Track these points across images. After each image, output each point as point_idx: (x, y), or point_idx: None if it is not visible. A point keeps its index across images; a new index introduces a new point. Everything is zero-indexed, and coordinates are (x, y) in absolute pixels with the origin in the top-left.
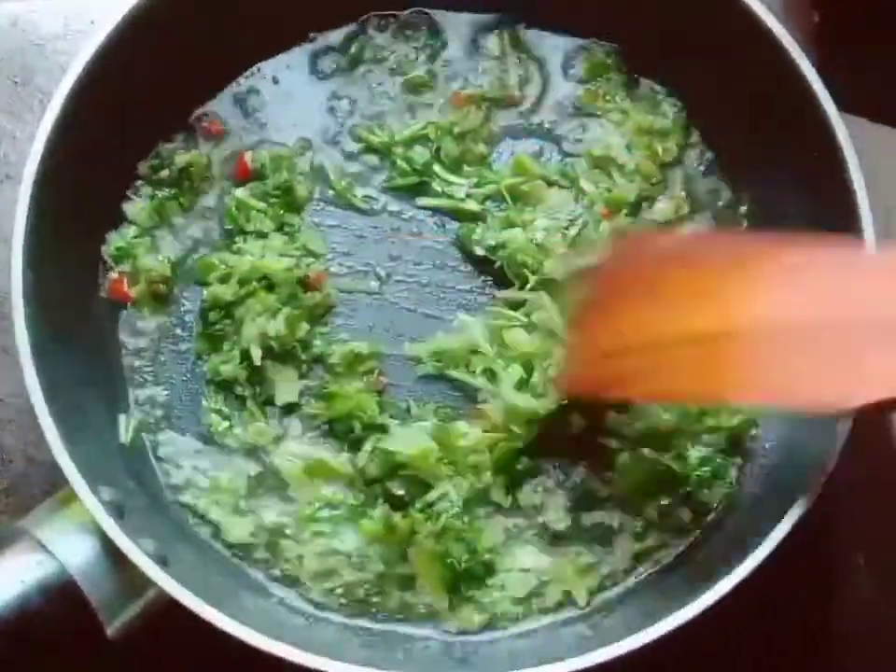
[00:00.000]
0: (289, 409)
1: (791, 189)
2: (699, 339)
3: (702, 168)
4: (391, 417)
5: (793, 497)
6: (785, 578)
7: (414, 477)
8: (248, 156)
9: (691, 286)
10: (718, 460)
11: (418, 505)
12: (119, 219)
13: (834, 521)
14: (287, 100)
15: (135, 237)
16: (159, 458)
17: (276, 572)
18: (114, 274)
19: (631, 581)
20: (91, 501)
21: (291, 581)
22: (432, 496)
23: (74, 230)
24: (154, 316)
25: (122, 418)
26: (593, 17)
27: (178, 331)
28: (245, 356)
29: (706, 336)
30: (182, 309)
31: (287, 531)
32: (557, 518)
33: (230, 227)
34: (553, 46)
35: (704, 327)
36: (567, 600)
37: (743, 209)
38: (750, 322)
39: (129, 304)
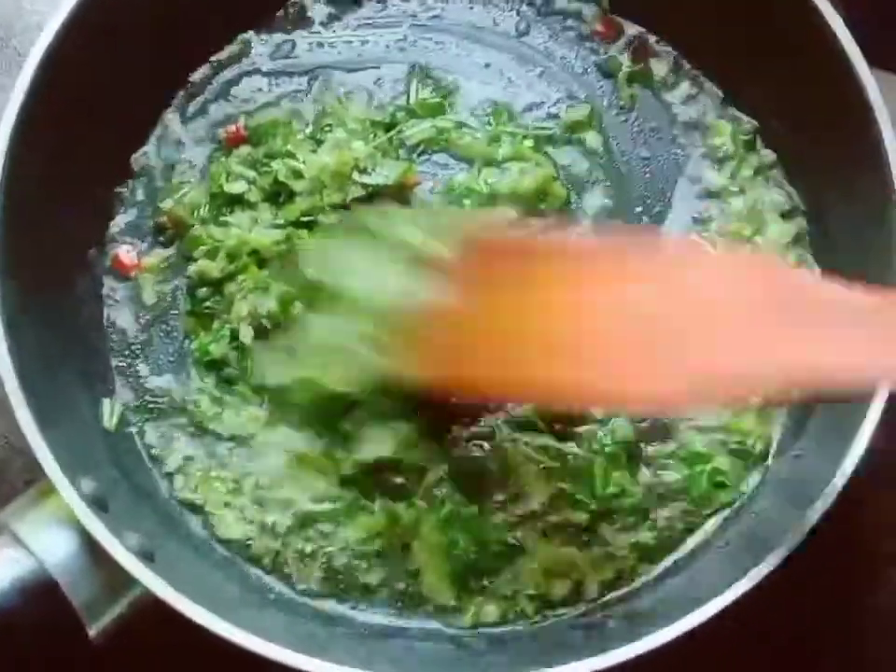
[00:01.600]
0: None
1: (817, 141)
2: (550, 331)
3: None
4: None
5: (823, 483)
6: (813, 569)
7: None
8: (242, 121)
9: (541, 279)
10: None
11: (420, 492)
12: (102, 193)
13: (864, 507)
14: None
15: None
16: (146, 446)
17: (271, 569)
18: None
19: (649, 573)
20: (69, 494)
21: (287, 579)
22: (430, 479)
23: (54, 203)
24: (140, 293)
25: (106, 402)
26: None
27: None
28: (235, 335)
29: (556, 330)
30: (169, 287)
31: (282, 526)
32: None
33: (216, 196)
34: None
35: (554, 320)
36: (579, 594)
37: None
38: (595, 312)
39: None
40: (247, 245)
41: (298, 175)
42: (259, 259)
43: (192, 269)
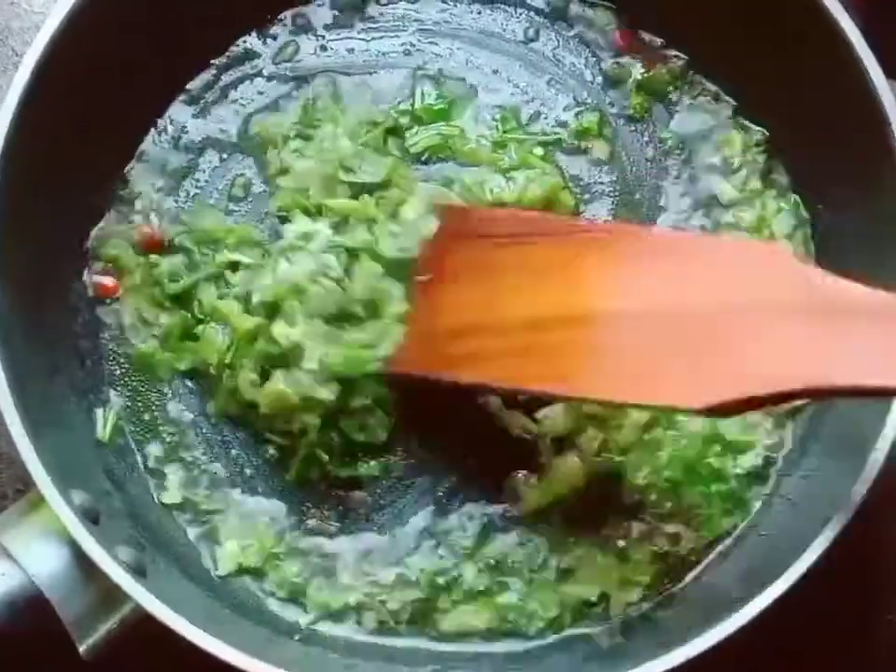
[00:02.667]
0: None
1: (830, 154)
2: (547, 323)
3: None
4: None
5: (834, 504)
6: (825, 596)
7: None
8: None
9: (540, 264)
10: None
11: None
12: (102, 202)
13: (881, 522)
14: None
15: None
16: (143, 457)
17: (273, 590)
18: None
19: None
20: (60, 506)
21: (290, 598)
22: None
23: (48, 208)
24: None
25: (100, 412)
26: None
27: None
28: None
29: (554, 320)
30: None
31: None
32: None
33: None
34: None
35: (552, 310)
36: (596, 610)
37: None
38: (602, 309)
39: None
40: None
41: (284, 171)
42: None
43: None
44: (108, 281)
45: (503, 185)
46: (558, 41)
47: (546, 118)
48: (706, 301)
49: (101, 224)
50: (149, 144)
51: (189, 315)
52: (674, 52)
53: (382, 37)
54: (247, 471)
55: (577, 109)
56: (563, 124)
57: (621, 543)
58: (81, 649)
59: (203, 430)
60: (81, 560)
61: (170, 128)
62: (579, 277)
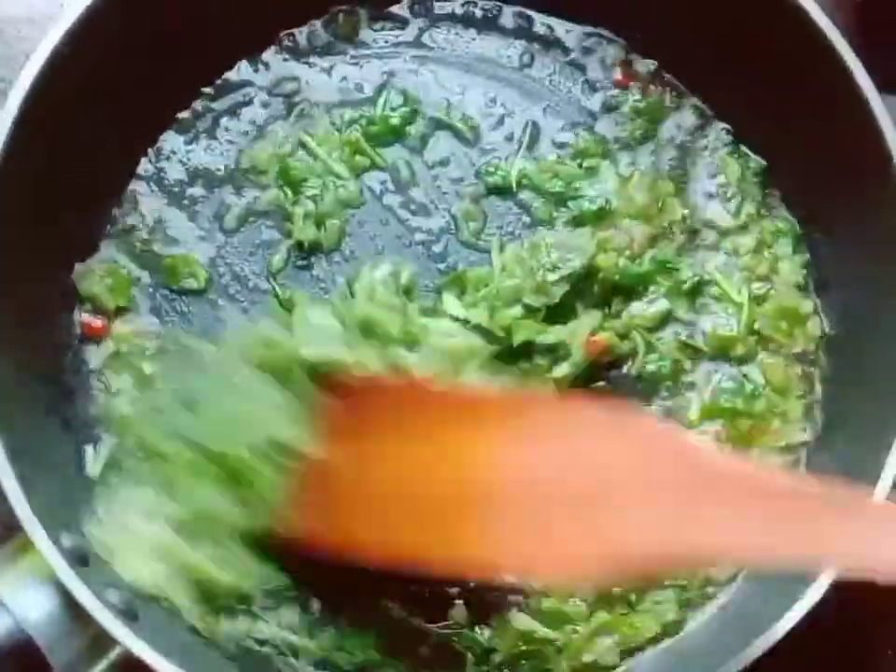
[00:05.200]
0: None
1: (829, 180)
2: (436, 491)
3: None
4: None
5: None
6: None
7: None
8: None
9: (432, 430)
10: None
11: None
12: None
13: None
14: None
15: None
16: None
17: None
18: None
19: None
20: (49, 550)
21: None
22: None
23: (36, 244)
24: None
25: (89, 449)
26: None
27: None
28: None
29: (442, 489)
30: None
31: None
32: None
33: None
34: None
35: (440, 478)
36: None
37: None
38: (487, 479)
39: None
40: None
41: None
42: None
43: None
44: (97, 321)
45: None
46: (553, 67)
47: (542, 142)
48: (592, 471)
49: (84, 261)
50: (140, 173)
51: None
52: (669, 78)
53: (375, 63)
54: None
55: (573, 132)
56: (560, 145)
57: None
58: None
59: None
60: (71, 604)
61: (161, 157)
62: (461, 443)
